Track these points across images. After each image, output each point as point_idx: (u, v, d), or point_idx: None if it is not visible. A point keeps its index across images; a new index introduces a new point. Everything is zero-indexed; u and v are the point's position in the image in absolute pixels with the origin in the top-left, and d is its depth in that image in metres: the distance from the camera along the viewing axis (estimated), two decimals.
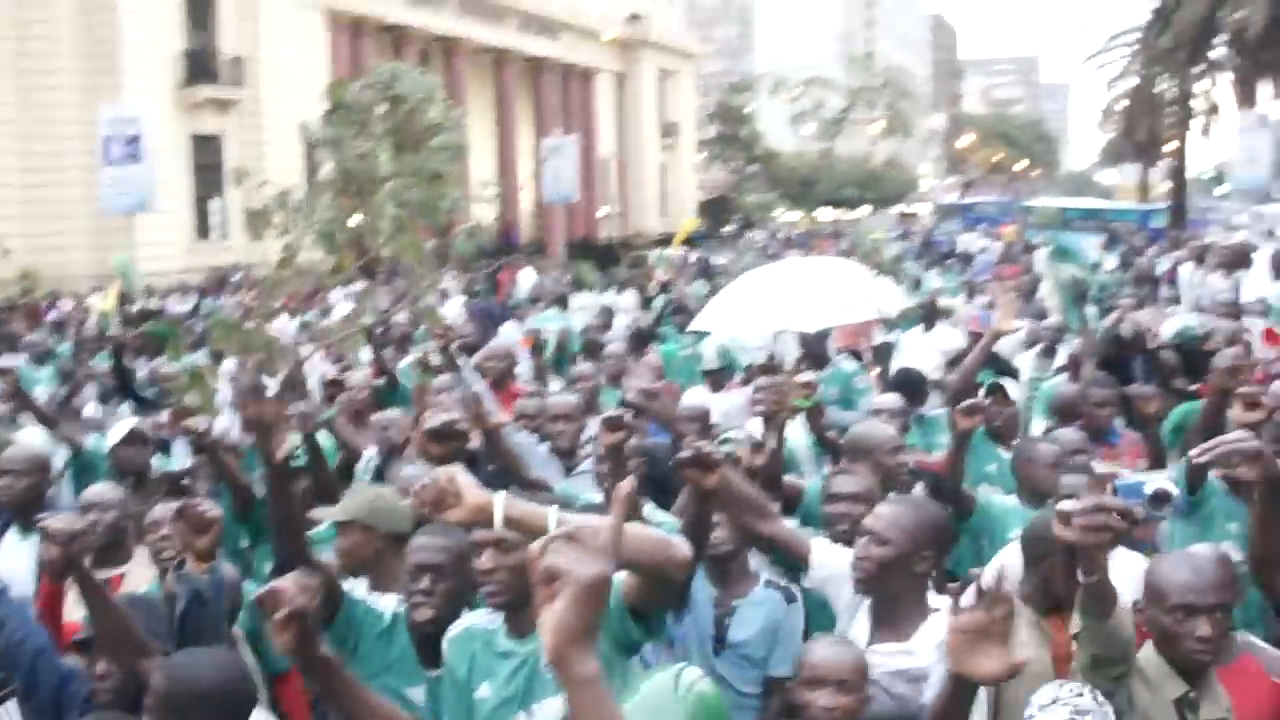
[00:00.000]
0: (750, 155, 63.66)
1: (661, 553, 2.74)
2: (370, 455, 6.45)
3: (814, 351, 10.03)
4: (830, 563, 4.07)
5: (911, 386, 7.58)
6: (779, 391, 5.24)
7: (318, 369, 9.64)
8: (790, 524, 4.99)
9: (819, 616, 4.24)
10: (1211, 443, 3.59)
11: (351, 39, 37.16)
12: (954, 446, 5.49)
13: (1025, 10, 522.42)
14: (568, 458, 6.13)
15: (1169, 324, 7.05)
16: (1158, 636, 3.30)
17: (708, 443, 3.93)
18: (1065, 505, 3.11)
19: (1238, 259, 13.81)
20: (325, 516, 4.34)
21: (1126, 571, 4.26)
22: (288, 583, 2.77)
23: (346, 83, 5.16)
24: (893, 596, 3.71)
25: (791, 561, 4.25)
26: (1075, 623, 2.80)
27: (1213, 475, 5.01)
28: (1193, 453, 3.87)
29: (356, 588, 3.96)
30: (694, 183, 61.67)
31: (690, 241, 33.09)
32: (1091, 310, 13.78)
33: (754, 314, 9.17)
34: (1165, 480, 2.59)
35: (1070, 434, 6.00)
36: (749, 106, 64.33)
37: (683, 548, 2.80)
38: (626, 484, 2.36)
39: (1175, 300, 13.43)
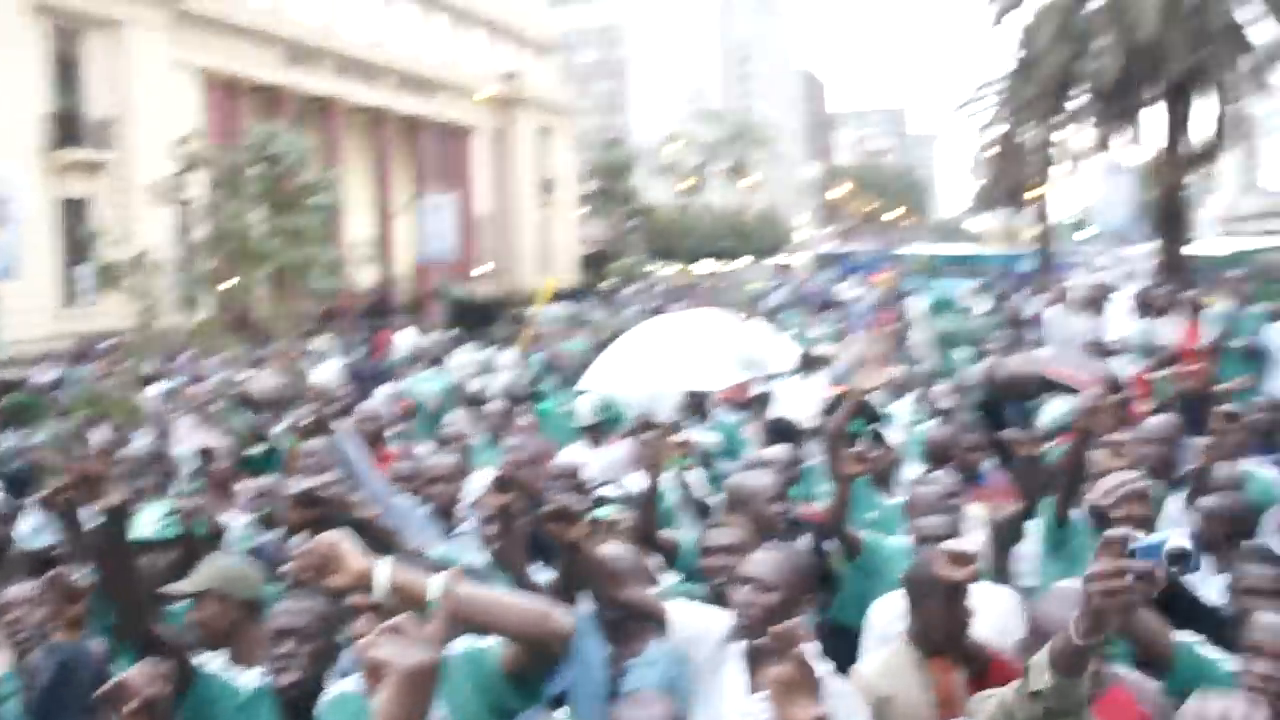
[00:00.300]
0: (629, 210, 64.12)
1: (539, 624, 2.74)
2: (241, 525, 6.30)
3: (695, 404, 10.09)
4: (689, 623, 4.05)
5: (785, 436, 7.66)
6: (655, 447, 5.25)
7: (192, 437, 9.42)
8: (669, 578, 5.01)
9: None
10: (1113, 484, 3.71)
11: (225, 99, 36.70)
12: (838, 493, 5.57)
13: (890, 65, 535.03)
14: (446, 519, 6.06)
15: (1048, 412, 7.20)
16: None
17: (570, 496, 3.95)
18: (952, 546, 3.17)
19: (1098, 300, 14.19)
20: (178, 589, 4.22)
21: (993, 606, 4.33)
22: (135, 673, 2.69)
23: (196, 138, 5.06)
24: None
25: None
26: (1040, 679, 2.77)
27: (1074, 512, 5.14)
28: (1095, 495, 3.96)
29: (213, 661, 3.83)
30: (573, 238, 61.76)
31: (569, 296, 33.20)
32: (965, 353, 14.09)
33: (640, 372, 9.18)
34: (1181, 537, 2.52)
35: (944, 476, 6.11)
36: (627, 161, 64.94)
37: (561, 620, 2.79)
38: (455, 574, 2.37)
39: (1040, 343, 13.72)
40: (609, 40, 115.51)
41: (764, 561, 3.85)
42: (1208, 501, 5.09)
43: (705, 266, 66.88)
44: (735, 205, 78.80)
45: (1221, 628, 3.89)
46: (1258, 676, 3.38)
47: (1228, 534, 5.00)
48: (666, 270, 60.41)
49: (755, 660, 3.71)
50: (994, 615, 4.40)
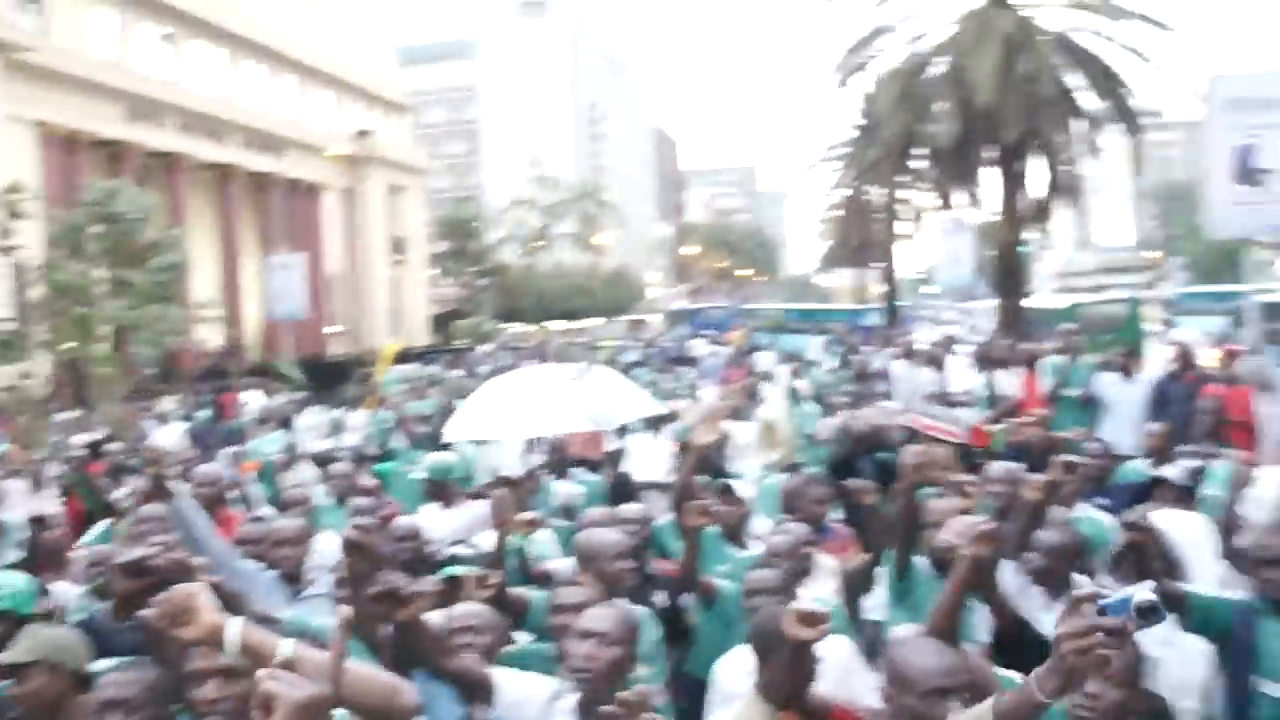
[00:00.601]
0: (481, 269, 63.94)
1: (387, 698, 2.71)
2: (74, 595, 6.06)
3: (557, 461, 10.07)
4: (515, 689, 4.03)
5: (628, 493, 7.71)
6: (506, 505, 5.23)
7: (24, 503, 9.08)
8: (522, 638, 4.98)
9: None
10: (963, 526, 3.81)
11: (65, 155, 35.62)
12: (686, 546, 5.66)
13: (742, 123, 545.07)
14: (293, 582, 5.92)
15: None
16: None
17: (399, 577, 3.94)
18: (799, 605, 3.22)
19: (941, 354, 14.57)
20: (4, 658, 4.02)
21: (832, 656, 4.38)
22: None
23: (20, 188, 4.89)
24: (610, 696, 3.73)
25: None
26: None
27: (917, 560, 5.25)
28: (944, 537, 4.06)
29: None
30: (424, 298, 61.35)
31: (419, 356, 32.96)
32: (813, 408, 14.32)
33: (494, 423, 9.17)
34: (1147, 592, 2.55)
35: (796, 528, 6.21)
36: (477, 222, 64.83)
37: (408, 695, 2.77)
38: (345, 611, 2.32)
39: (888, 395, 14.03)
40: (462, 100, 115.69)
41: (606, 617, 3.86)
42: (1046, 537, 5.25)
43: (558, 325, 67.00)
44: (586, 264, 79.22)
45: None
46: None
47: (1063, 569, 5.19)
48: (518, 329, 60.33)
49: (588, 715, 3.70)
50: (833, 665, 4.48)
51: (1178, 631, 4.74)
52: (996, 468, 6.64)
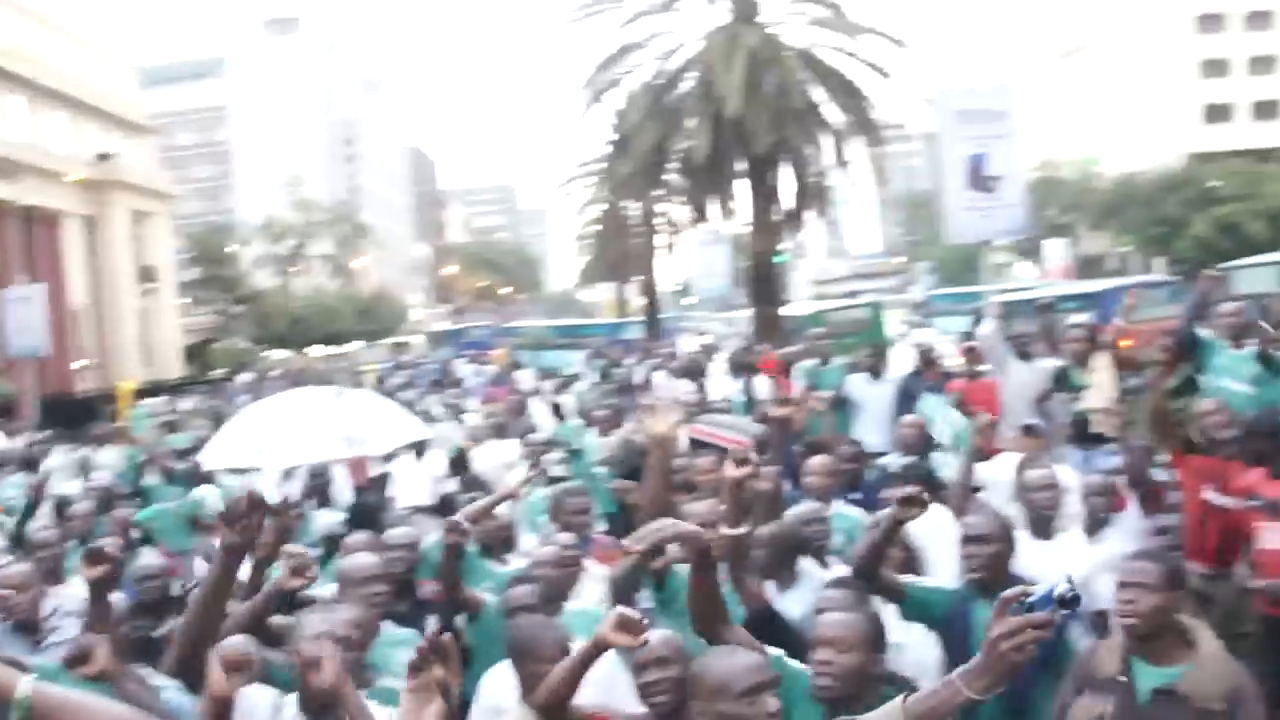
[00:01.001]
0: (236, 296, 62.15)
1: None
2: None
3: (318, 487, 9.83)
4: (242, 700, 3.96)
5: (369, 521, 7.66)
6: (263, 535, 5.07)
7: None
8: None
9: None
10: (640, 532, 3.87)
11: None
12: (445, 565, 5.76)
13: (500, 142, 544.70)
14: (30, 630, 5.61)
15: None
16: None
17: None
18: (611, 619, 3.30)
19: (700, 364, 14.85)
20: None
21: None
22: None
23: None
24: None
25: None
26: None
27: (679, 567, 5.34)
28: (626, 541, 4.11)
29: None
30: (177, 327, 59.10)
31: (171, 389, 31.83)
32: (577, 423, 14.39)
33: (251, 450, 8.89)
34: (1065, 584, 2.59)
35: (562, 538, 6.29)
36: (230, 247, 63.00)
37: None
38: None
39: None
40: (210, 122, 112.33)
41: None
42: (772, 528, 5.45)
43: (319, 351, 65.65)
44: (346, 288, 77.90)
45: (800, 642, 4.25)
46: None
47: (787, 557, 5.52)
48: (278, 356, 58.81)
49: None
50: (596, 673, 4.53)
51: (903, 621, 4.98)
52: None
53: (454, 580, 5.72)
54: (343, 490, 9.96)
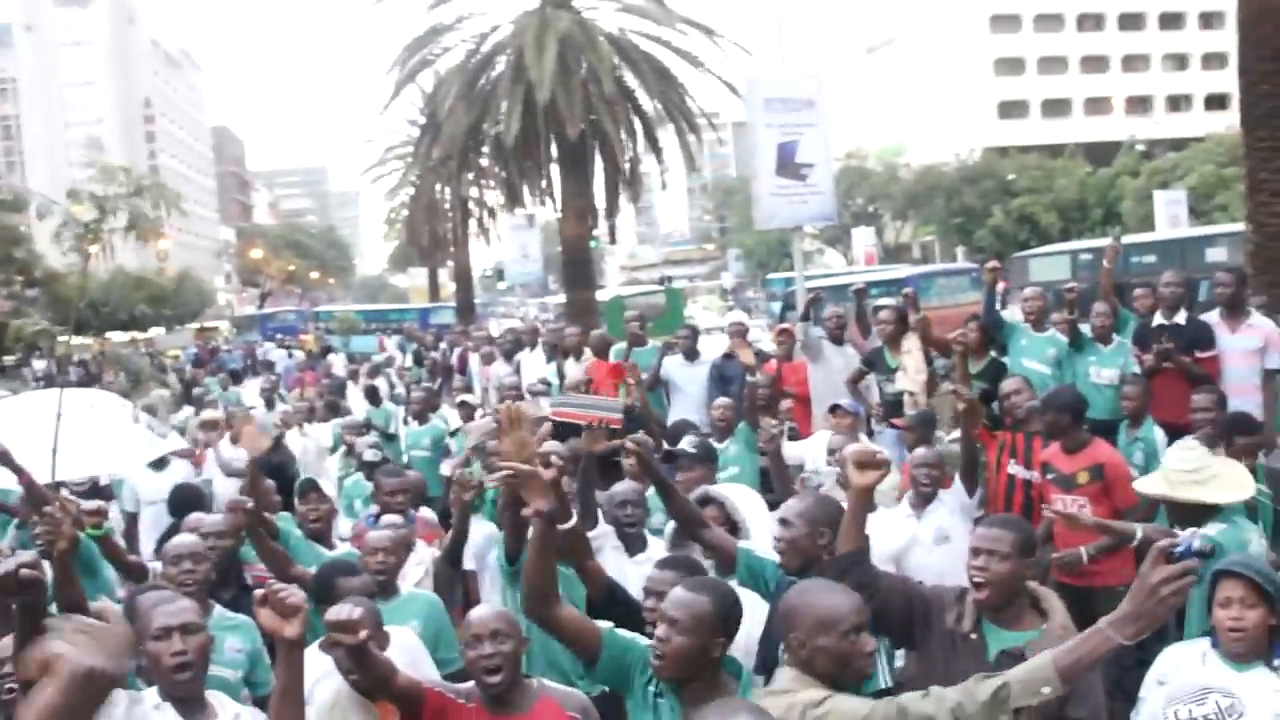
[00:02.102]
0: (29, 278, 59.38)
1: None
2: None
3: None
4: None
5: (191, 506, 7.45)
6: (56, 522, 4.85)
7: None
8: None
9: None
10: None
11: None
12: (261, 551, 5.89)
13: (311, 122, 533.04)
14: None
15: None
16: (829, 662, 3.36)
17: None
18: None
19: (515, 346, 14.81)
20: None
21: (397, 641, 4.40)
22: None
23: None
24: None
25: None
26: (1040, 690, 2.96)
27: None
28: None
29: None
30: None
31: None
32: (391, 407, 14.22)
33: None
34: (1199, 539, 2.83)
35: (391, 519, 6.49)
36: (24, 226, 60.09)
37: None
38: None
39: (468, 388, 14.11)
40: None
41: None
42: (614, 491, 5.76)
43: (120, 336, 63.28)
44: (149, 269, 75.22)
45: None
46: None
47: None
48: (76, 342, 56.42)
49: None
50: (400, 651, 4.65)
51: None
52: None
53: (275, 563, 5.76)
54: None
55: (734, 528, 5.46)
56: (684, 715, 3.58)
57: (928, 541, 6.35)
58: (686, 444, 6.95)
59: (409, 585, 5.99)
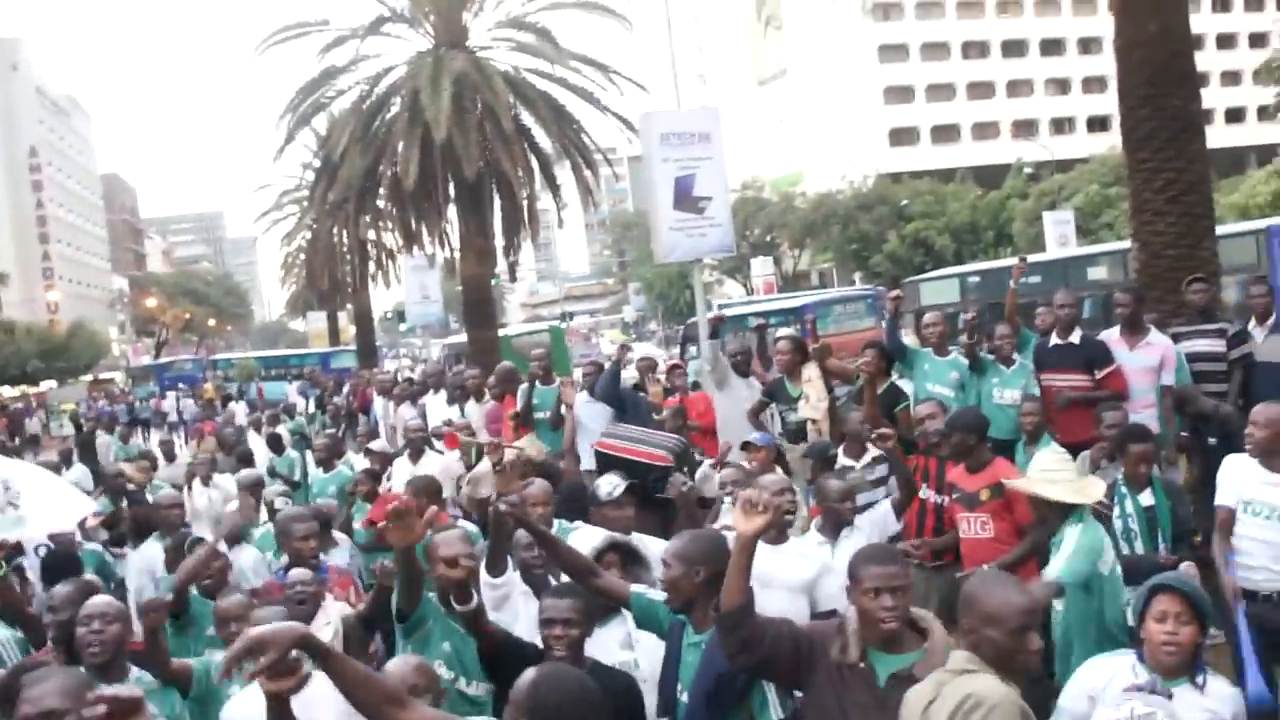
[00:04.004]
0: None
1: None
2: None
3: None
4: None
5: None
6: None
7: None
8: None
9: None
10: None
11: None
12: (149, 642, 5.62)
13: (205, 168, 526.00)
14: None
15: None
16: (995, 654, 3.58)
17: None
18: None
19: (420, 391, 14.70)
20: None
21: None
22: None
23: None
24: None
25: None
26: None
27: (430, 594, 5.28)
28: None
29: None
30: None
31: None
32: (294, 454, 14.05)
33: None
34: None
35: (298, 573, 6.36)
36: None
37: None
38: None
39: (372, 432, 13.98)
40: None
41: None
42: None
43: (10, 392, 61.73)
44: (39, 321, 73.59)
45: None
46: None
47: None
48: None
49: None
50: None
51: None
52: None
53: (162, 658, 5.55)
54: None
55: (645, 567, 5.48)
56: None
57: (841, 570, 6.37)
58: (608, 484, 6.88)
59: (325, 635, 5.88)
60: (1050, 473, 5.99)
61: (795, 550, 6.17)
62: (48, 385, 65.22)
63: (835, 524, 6.62)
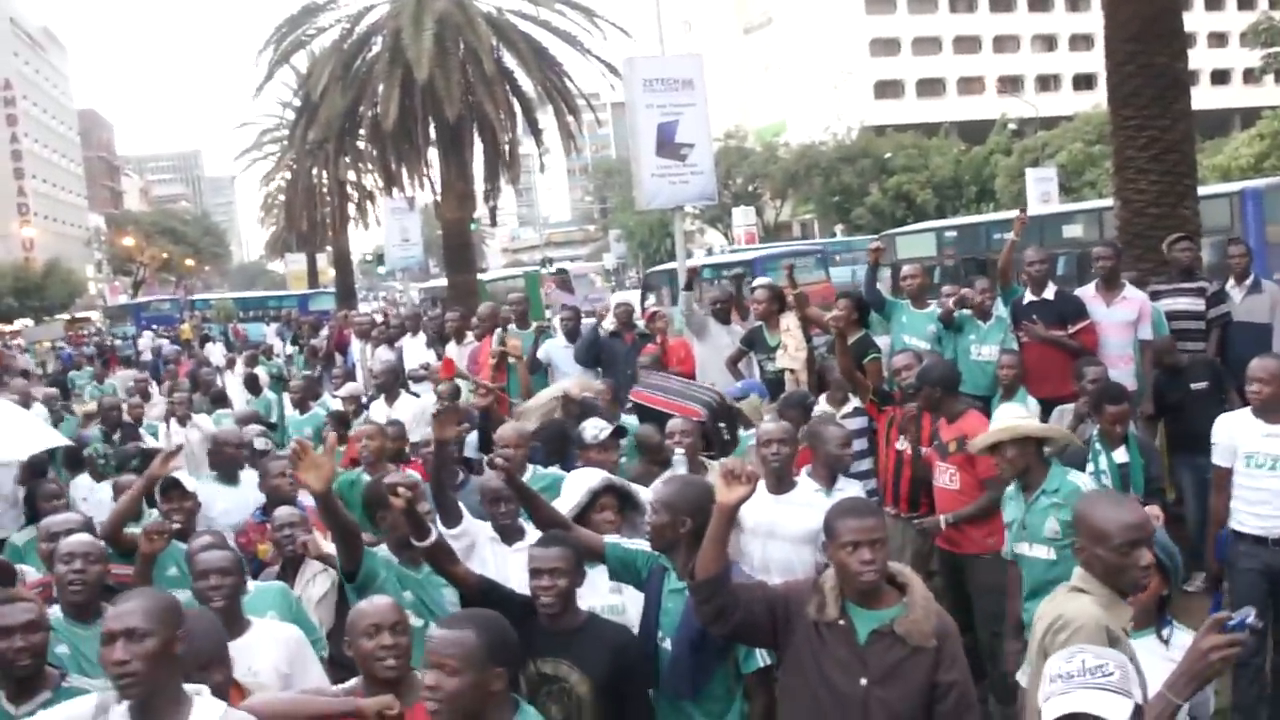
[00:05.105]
0: None
1: None
2: None
3: None
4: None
5: None
6: None
7: None
8: None
9: None
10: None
11: None
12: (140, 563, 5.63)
13: (184, 106, 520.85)
14: None
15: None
16: (1104, 570, 3.72)
17: None
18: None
19: (398, 333, 14.63)
20: None
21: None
22: None
23: None
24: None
25: None
26: None
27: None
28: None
29: None
30: None
31: None
32: (273, 395, 13.99)
33: None
34: (1254, 615, 3.12)
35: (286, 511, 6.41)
36: None
37: None
38: None
39: (350, 374, 13.89)
40: None
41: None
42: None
43: None
44: (14, 258, 73.02)
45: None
46: None
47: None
48: None
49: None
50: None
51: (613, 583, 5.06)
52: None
53: (147, 572, 5.58)
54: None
55: (633, 508, 5.48)
56: None
57: None
58: (594, 427, 6.85)
59: (313, 600, 5.89)
60: (1020, 419, 6.00)
61: (799, 500, 6.08)
62: (22, 323, 64.83)
63: (831, 471, 6.42)
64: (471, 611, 3.87)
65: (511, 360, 9.95)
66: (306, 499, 6.96)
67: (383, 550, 5.37)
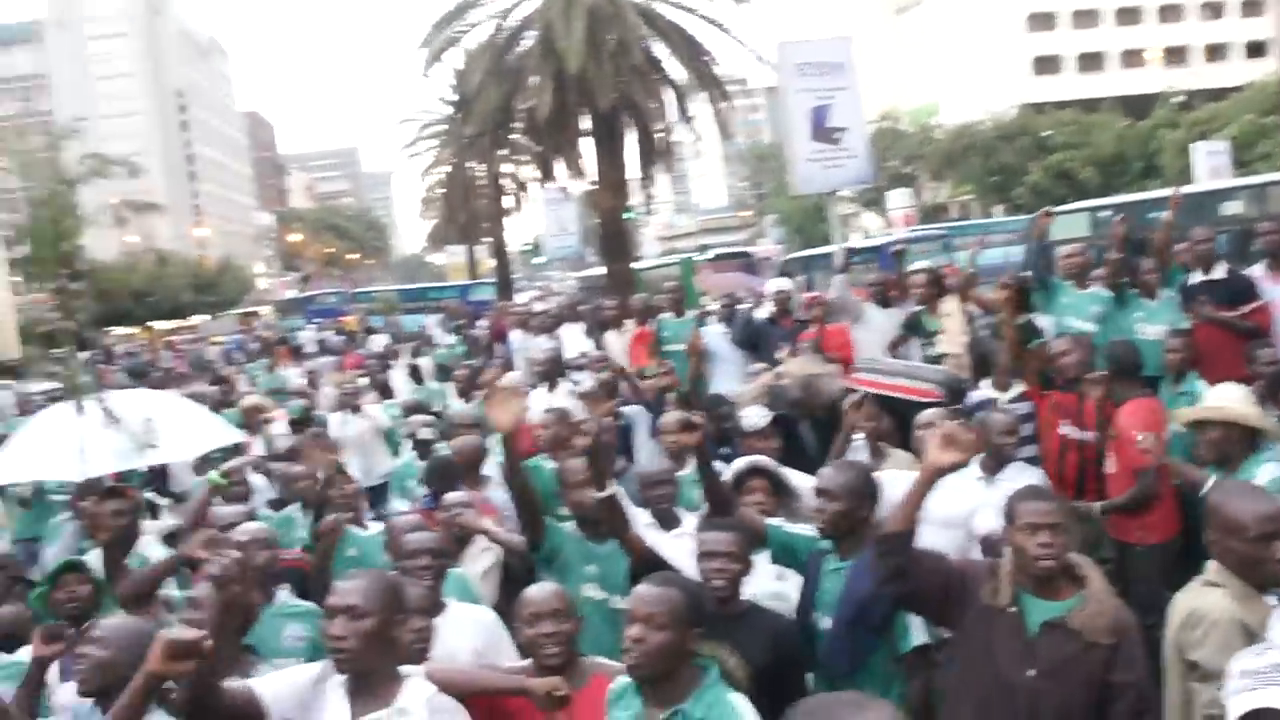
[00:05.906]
0: (72, 272, 59.85)
1: None
2: None
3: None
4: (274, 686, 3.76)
5: None
6: None
7: None
8: None
9: None
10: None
11: None
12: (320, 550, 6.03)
13: (342, 104, 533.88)
14: None
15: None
16: (1237, 562, 3.63)
17: None
18: None
19: (556, 322, 14.80)
20: None
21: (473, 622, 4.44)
22: None
23: None
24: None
25: None
26: None
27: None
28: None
29: None
30: (9, 306, 56.48)
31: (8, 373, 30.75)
32: (436, 386, 14.28)
33: (47, 462, 7.95)
34: None
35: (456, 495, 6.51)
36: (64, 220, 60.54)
37: None
38: None
39: (509, 364, 14.10)
40: (31, 91, 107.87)
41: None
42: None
43: (164, 325, 63.75)
44: (190, 257, 75.80)
45: None
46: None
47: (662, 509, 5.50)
48: (120, 332, 56.91)
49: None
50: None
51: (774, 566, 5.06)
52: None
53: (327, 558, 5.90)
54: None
55: (792, 496, 5.48)
56: (647, 712, 3.56)
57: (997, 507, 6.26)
58: (753, 419, 6.87)
59: (477, 575, 6.01)
60: (1232, 401, 5.67)
61: (952, 484, 6.04)
62: (199, 319, 67.23)
63: (998, 460, 6.34)
64: (671, 574, 4.00)
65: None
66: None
67: (568, 525, 5.47)
